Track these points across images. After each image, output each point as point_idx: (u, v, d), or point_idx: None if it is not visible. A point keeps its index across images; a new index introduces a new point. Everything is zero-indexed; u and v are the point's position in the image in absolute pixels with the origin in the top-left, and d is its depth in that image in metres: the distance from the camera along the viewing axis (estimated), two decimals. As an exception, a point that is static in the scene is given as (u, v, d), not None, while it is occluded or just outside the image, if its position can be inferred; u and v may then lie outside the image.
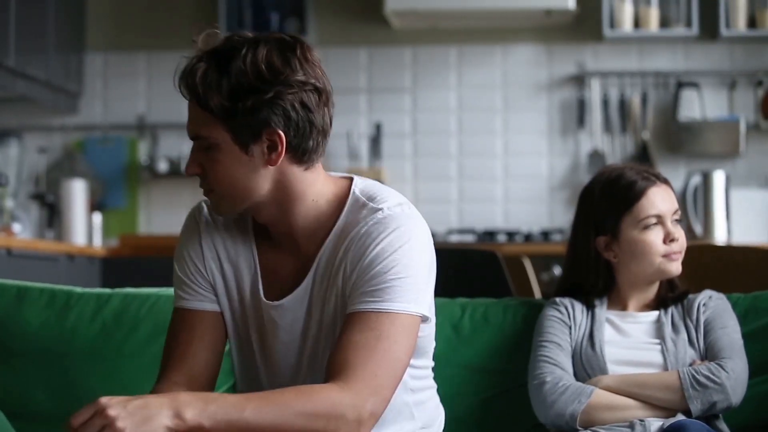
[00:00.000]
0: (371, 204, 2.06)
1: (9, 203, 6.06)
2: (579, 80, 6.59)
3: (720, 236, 6.22)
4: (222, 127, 2.00)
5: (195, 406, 1.84)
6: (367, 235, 2.02)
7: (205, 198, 2.15)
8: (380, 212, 2.04)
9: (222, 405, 1.85)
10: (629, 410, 2.44)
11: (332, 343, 2.03)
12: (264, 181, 2.04)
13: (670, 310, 2.60)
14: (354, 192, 2.09)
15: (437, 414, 2.27)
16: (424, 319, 2.07)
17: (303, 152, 2.04)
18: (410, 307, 2.01)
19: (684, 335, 2.54)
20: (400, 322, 1.99)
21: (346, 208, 2.08)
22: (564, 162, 6.60)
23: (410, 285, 2.01)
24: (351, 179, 2.13)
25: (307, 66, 2.01)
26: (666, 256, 2.57)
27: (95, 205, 6.61)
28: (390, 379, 1.97)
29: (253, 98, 1.98)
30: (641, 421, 2.41)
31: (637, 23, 6.42)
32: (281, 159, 2.02)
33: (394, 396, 2.01)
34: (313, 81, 2.01)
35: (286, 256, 2.12)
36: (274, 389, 1.98)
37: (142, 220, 6.77)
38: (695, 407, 2.42)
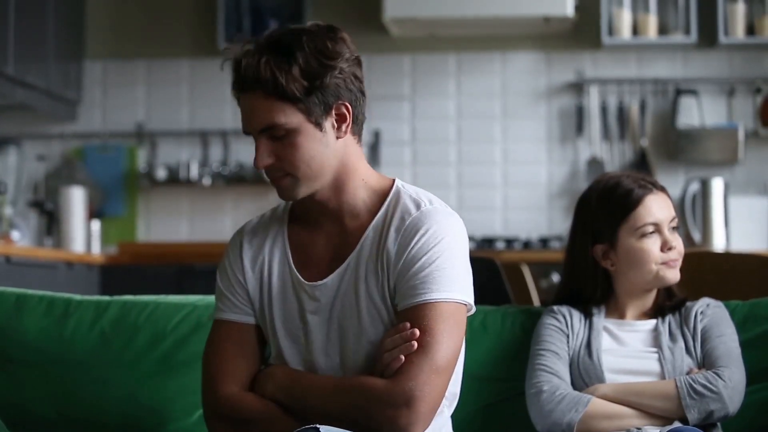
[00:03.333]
0: (414, 198, 2.19)
1: (8, 211, 6.06)
2: (578, 88, 6.59)
3: (718, 243, 6.22)
4: (297, 109, 2.12)
5: (276, 384, 2.13)
6: (411, 228, 2.14)
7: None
8: (423, 206, 2.16)
9: (306, 387, 2.10)
10: (626, 419, 2.44)
11: (362, 327, 2.14)
12: (333, 156, 2.18)
13: (667, 318, 2.59)
14: (397, 185, 2.22)
15: None
16: (469, 308, 2.16)
17: (359, 123, 2.21)
18: (456, 295, 2.11)
19: (681, 344, 2.54)
20: (449, 311, 2.09)
21: (389, 197, 2.20)
22: (563, 169, 6.60)
23: (454, 275, 2.12)
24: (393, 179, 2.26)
25: (349, 43, 2.19)
26: (664, 263, 2.57)
27: (94, 212, 6.61)
28: (443, 367, 2.06)
29: (326, 75, 2.12)
30: (638, 429, 2.41)
31: (635, 30, 6.42)
32: (348, 130, 2.18)
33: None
34: (356, 55, 2.20)
35: (320, 236, 2.22)
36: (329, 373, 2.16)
37: (141, 228, 6.77)
38: (692, 416, 2.41)
